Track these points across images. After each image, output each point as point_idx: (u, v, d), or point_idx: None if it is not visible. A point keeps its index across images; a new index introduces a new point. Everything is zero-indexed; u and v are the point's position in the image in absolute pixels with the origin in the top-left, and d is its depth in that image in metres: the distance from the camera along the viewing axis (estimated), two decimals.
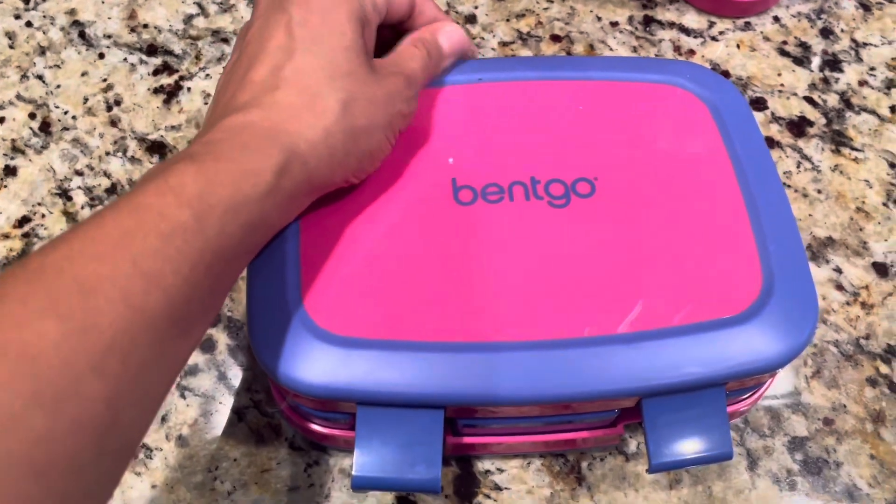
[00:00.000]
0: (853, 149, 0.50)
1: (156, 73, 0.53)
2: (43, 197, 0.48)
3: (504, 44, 0.54)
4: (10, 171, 0.49)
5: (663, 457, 0.33)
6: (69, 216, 0.47)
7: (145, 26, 0.55)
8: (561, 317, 0.33)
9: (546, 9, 0.56)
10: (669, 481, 0.39)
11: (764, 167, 0.38)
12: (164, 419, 0.41)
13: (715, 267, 0.35)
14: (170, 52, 0.54)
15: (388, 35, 0.38)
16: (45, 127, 0.51)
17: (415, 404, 0.33)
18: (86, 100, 0.52)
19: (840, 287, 0.45)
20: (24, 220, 0.47)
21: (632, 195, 0.36)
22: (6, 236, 0.47)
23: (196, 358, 0.42)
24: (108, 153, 0.50)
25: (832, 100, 0.52)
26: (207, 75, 0.53)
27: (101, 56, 0.54)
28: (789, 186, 0.48)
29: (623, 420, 0.38)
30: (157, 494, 0.39)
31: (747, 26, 0.55)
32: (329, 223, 0.36)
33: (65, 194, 0.48)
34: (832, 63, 0.53)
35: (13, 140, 0.50)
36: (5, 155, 0.50)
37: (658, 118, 0.39)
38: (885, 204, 0.48)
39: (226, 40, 0.54)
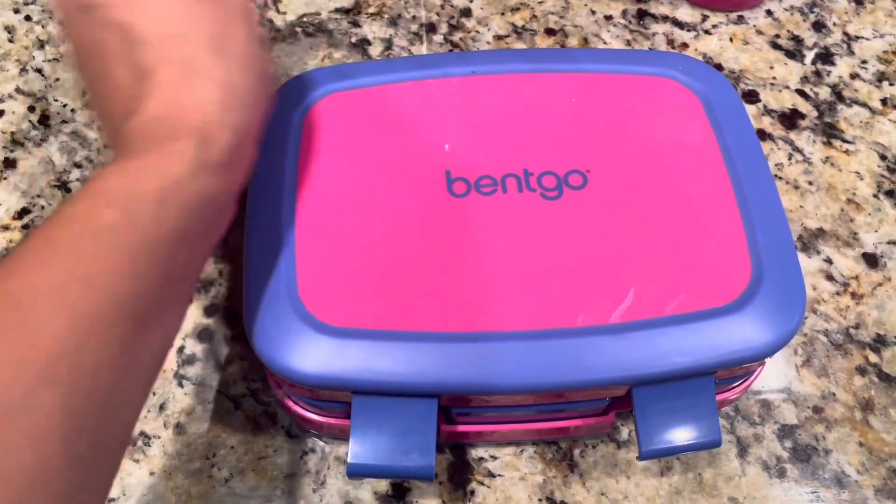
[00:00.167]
0: (844, 141, 0.50)
1: None
2: (42, 189, 0.49)
3: (499, 37, 0.55)
4: (10, 164, 0.49)
5: (653, 444, 0.34)
6: None
7: None
8: (553, 307, 0.34)
9: (540, 2, 0.56)
10: (660, 468, 0.40)
11: (754, 159, 0.38)
12: (161, 407, 0.41)
13: (705, 257, 0.35)
14: None
15: None
16: (45, 120, 0.51)
17: (409, 393, 0.33)
18: (84, 93, 0.52)
19: (830, 277, 0.45)
20: (23, 212, 0.48)
21: (623, 187, 0.37)
22: (6, 228, 0.47)
23: (193, 347, 0.43)
24: (106, 146, 0.50)
25: (824, 93, 0.52)
26: None
27: None
28: (781, 178, 0.49)
29: (614, 408, 0.38)
30: (154, 481, 0.39)
31: (740, 20, 0.56)
32: (325, 215, 0.36)
33: (64, 186, 0.49)
34: (824, 56, 0.54)
35: (13, 133, 0.51)
36: (5, 147, 0.50)
37: (650, 110, 0.40)
38: (875, 195, 0.48)
39: None
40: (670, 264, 0.35)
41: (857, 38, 0.55)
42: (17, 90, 0.53)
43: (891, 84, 0.53)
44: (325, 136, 0.39)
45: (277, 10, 0.56)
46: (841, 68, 0.53)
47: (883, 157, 0.49)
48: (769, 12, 0.56)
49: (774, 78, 0.53)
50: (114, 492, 0.39)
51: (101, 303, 0.25)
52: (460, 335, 0.33)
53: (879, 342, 0.43)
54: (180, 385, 0.42)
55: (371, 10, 0.56)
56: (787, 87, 0.52)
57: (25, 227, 0.47)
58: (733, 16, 0.56)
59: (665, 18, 0.56)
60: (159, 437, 0.41)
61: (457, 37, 0.55)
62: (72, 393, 0.23)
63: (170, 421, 0.41)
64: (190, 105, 0.30)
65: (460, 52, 0.54)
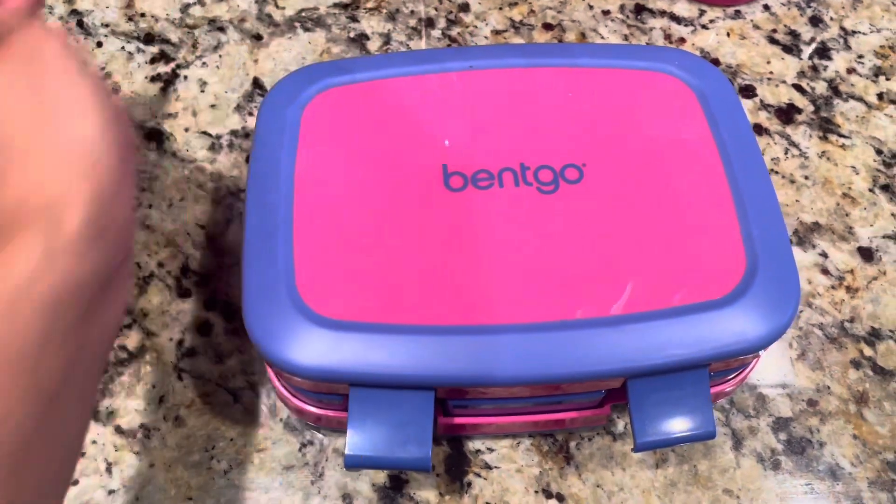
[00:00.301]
0: (840, 135, 0.50)
1: (153, 61, 0.54)
2: None
3: (497, 32, 0.55)
4: None
5: (648, 436, 0.34)
6: None
7: (143, 15, 0.56)
8: (548, 300, 0.34)
9: None
10: (656, 460, 0.40)
11: (749, 153, 0.38)
12: (161, 400, 0.42)
13: (700, 250, 0.35)
14: (167, 41, 0.55)
15: None
16: None
17: (406, 386, 0.34)
18: None
19: (826, 271, 0.46)
20: None
21: (619, 181, 0.37)
22: None
23: (193, 341, 0.43)
24: None
25: (820, 87, 0.52)
26: (204, 63, 0.53)
27: (99, 45, 0.54)
28: (777, 173, 0.49)
29: (610, 401, 0.38)
30: (154, 473, 0.40)
31: (737, 15, 0.56)
32: (322, 209, 0.36)
33: None
34: (821, 51, 0.54)
35: None
36: None
37: (646, 105, 0.40)
38: (871, 190, 0.48)
39: (222, 29, 0.55)
40: (665, 257, 0.35)
41: (854, 32, 0.55)
42: None
43: (887, 79, 0.53)
44: (322, 131, 0.39)
45: (276, 5, 0.56)
46: (837, 63, 0.54)
47: (879, 152, 0.50)
48: (766, 7, 0.56)
49: (771, 73, 0.53)
50: (114, 484, 0.39)
51: None
52: (457, 328, 0.34)
53: (874, 336, 0.44)
54: (179, 378, 0.42)
55: (369, 4, 0.56)
56: (784, 82, 0.53)
57: None
58: (730, 11, 0.56)
59: (662, 13, 0.56)
60: (159, 430, 0.41)
61: (455, 31, 0.55)
62: None
63: (170, 413, 0.41)
64: (27, 187, 0.26)
65: (458, 46, 0.54)
